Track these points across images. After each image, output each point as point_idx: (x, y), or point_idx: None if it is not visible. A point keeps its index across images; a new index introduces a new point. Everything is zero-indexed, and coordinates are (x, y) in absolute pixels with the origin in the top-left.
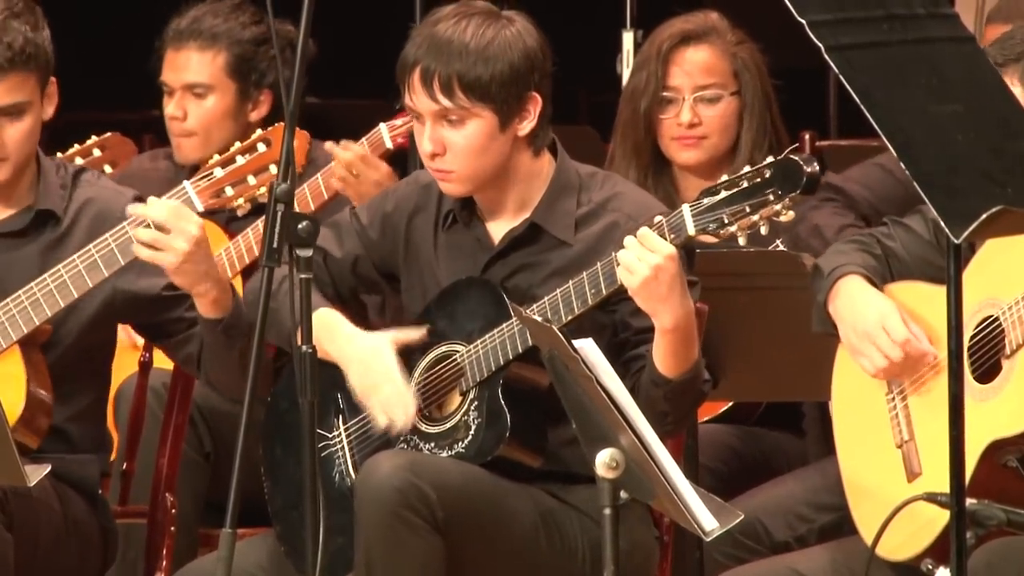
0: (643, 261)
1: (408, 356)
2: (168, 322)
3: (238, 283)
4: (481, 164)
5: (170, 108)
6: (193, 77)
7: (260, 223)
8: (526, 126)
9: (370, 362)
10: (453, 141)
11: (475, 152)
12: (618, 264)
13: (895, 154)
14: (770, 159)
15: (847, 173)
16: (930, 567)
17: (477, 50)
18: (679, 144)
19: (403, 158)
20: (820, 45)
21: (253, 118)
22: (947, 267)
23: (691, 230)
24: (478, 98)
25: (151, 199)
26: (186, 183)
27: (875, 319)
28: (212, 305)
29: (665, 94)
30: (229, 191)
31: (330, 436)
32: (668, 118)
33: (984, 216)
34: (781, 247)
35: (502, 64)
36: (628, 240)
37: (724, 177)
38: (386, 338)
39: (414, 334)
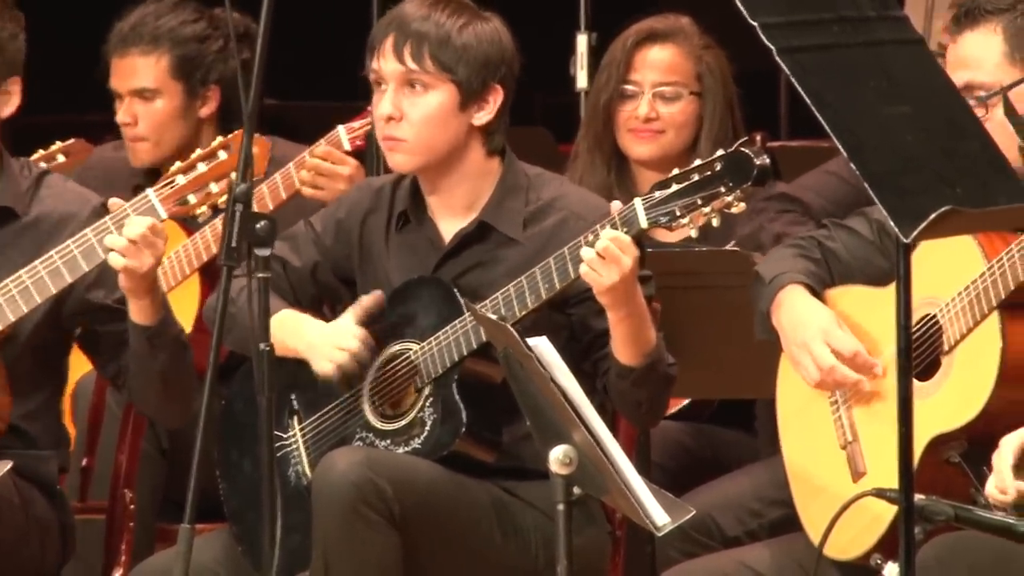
0: (614, 265)
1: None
2: (107, 334)
3: (195, 281)
4: (433, 138)
5: (120, 115)
6: (139, 82)
7: (218, 221)
8: (483, 116)
9: (331, 335)
10: (412, 109)
11: (431, 123)
12: (581, 262)
13: (846, 155)
14: (720, 152)
15: (798, 182)
16: (879, 562)
17: (454, 29)
18: (634, 136)
19: (361, 161)
20: (772, 47)
21: (204, 114)
22: (896, 266)
23: (643, 223)
24: (445, 68)
25: (128, 220)
26: (149, 191)
27: (815, 332)
28: (142, 311)
29: (626, 87)
30: (192, 199)
31: (286, 436)
32: (626, 111)
33: (933, 216)
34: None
35: (474, 48)
36: (599, 244)
37: (675, 171)
38: (346, 317)
39: (367, 300)
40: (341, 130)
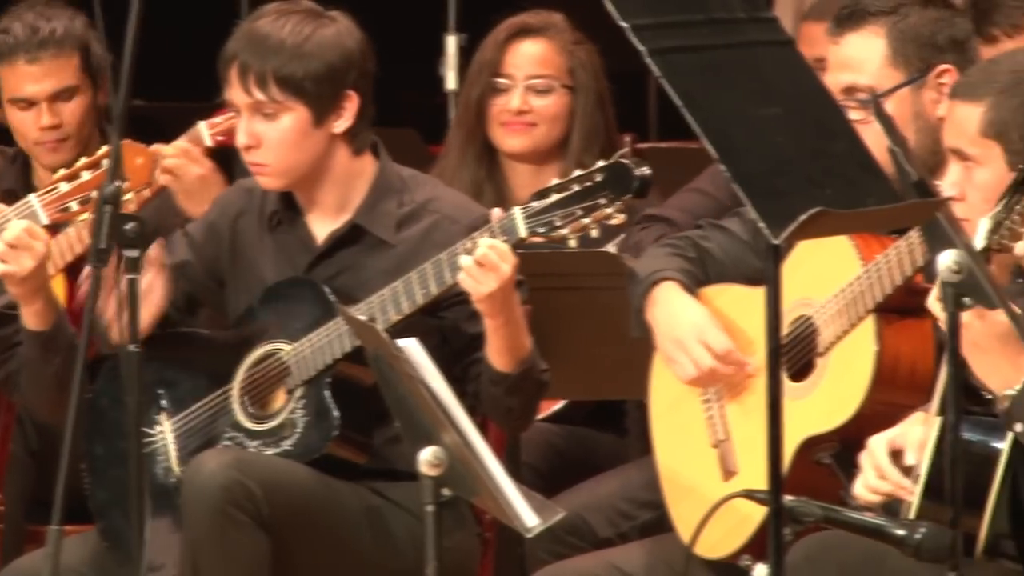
0: (493, 274)
1: (233, 355)
2: None
3: (60, 281)
4: (295, 158)
5: (44, 120)
6: (61, 83)
7: (81, 221)
8: (341, 124)
9: None
10: (267, 134)
11: (288, 146)
12: (459, 269)
13: (716, 156)
14: (600, 163)
15: (666, 203)
16: (748, 563)
17: (293, 46)
18: (507, 130)
19: (229, 158)
20: (642, 49)
21: (102, 102)
22: (766, 268)
23: (522, 232)
24: (291, 93)
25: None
26: (31, 197)
27: (690, 328)
28: (35, 317)
29: (498, 80)
30: (74, 206)
31: (153, 433)
32: (499, 104)
33: (803, 217)
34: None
35: (317, 61)
36: (478, 252)
37: (555, 180)
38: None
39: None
40: (202, 126)
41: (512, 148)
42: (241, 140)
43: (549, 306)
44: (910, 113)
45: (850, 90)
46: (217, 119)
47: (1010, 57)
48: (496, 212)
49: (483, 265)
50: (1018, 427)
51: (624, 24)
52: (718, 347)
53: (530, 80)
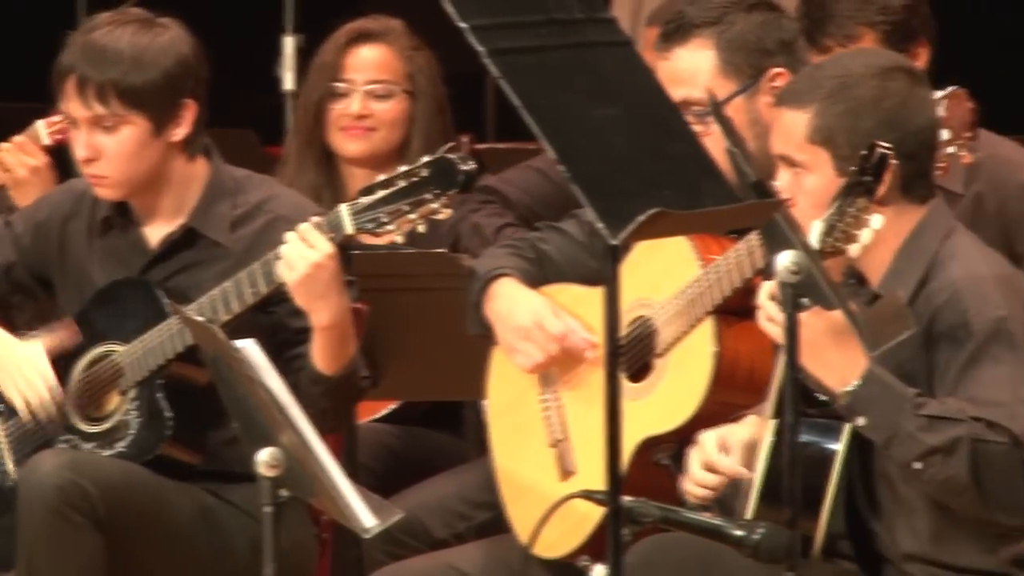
0: (304, 258)
1: (66, 360)
2: None
3: None
4: (134, 169)
5: None
6: None
7: None
8: (180, 132)
9: (20, 363)
10: (107, 147)
11: (128, 158)
12: (279, 259)
13: (554, 157)
14: (426, 158)
15: (503, 175)
16: (586, 564)
17: (131, 58)
18: (346, 135)
19: (65, 157)
20: (480, 49)
21: None
22: (604, 268)
23: (349, 229)
24: (132, 105)
25: None
26: None
27: (529, 316)
28: None
29: (338, 85)
30: None
31: None
32: (338, 108)
33: (642, 218)
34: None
35: (155, 72)
36: (290, 235)
37: (381, 177)
38: (38, 345)
39: (64, 335)
40: (39, 124)
41: (351, 153)
42: (80, 153)
43: (386, 306)
44: (746, 120)
45: (684, 105)
46: (55, 118)
47: (835, 62)
48: (315, 220)
49: (293, 254)
50: (860, 421)
51: (463, 25)
52: (556, 331)
53: (370, 85)
